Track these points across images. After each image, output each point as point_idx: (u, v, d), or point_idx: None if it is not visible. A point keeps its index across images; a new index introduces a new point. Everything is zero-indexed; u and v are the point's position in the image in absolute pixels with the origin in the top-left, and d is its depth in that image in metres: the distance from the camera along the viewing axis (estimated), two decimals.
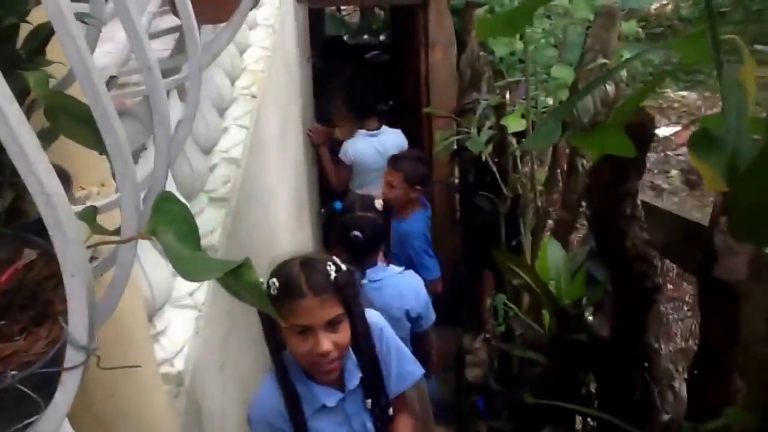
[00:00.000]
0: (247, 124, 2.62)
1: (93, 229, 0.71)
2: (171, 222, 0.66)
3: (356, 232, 2.80)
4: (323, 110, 5.33)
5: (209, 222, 2.04)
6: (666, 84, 6.78)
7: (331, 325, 1.75)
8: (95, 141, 0.73)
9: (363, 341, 1.84)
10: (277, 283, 1.73)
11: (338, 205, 3.09)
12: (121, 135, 0.65)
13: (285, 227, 3.36)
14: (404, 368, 1.95)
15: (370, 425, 1.88)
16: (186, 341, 1.65)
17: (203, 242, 1.95)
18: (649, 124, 1.24)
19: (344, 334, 1.78)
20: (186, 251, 0.64)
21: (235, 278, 0.62)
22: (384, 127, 4.74)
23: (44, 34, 0.83)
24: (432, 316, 3.02)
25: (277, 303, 1.69)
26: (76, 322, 0.60)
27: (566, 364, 1.94)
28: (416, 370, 1.98)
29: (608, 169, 1.39)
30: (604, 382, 1.84)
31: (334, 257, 1.85)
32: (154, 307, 1.59)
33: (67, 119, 0.74)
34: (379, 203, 2.96)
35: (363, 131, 4.70)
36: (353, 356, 1.85)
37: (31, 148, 0.55)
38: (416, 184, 3.97)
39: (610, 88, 2.20)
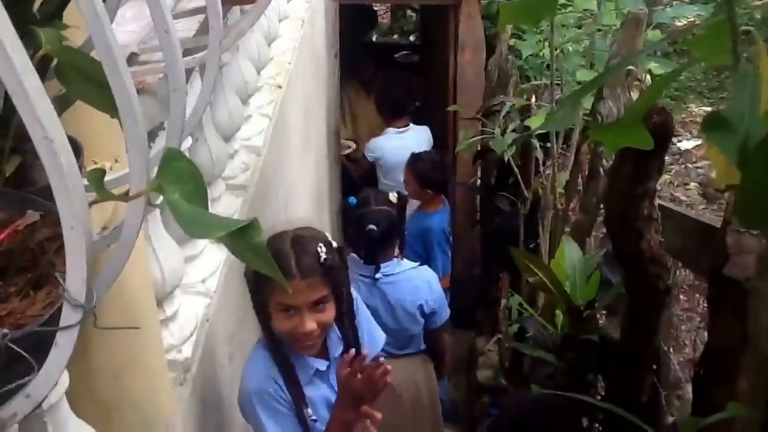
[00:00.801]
0: (270, 114, 2.64)
1: (100, 192, 0.70)
2: (177, 180, 0.66)
3: (372, 226, 2.82)
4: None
5: (225, 209, 2.05)
6: (690, 99, 6.77)
7: (316, 305, 1.78)
8: (106, 102, 0.72)
9: (347, 318, 1.91)
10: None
11: (352, 200, 3.11)
12: (132, 93, 0.65)
13: (303, 221, 3.39)
14: (373, 333, 2.05)
15: None
16: (195, 328, 1.64)
17: None
18: (669, 124, 1.26)
19: (329, 312, 1.82)
20: (192, 208, 0.64)
21: (241, 239, 0.61)
22: (411, 125, 4.79)
23: None
24: (446, 312, 3.03)
25: (263, 277, 1.69)
26: (74, 278, 0.59)
27: (576, 364, 1.95)
28: (381, 334, 2.09)
29: (628, 168, 1.41)
30: (612, 383, 1.85)
31: (326, 234, 1.90)
32: (165, 292, 1.58)
33: (78, 78, 0.74)
34: (393, 196, 2.97)
35: (392, 129, 4.78)
36: (335, 327, 1.90)
37: (35, 91, 0.53)
38: (427, 186, 4.05)
39: (634, 94, 2.21)
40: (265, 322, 1.86)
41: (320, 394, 1.89)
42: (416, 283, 2.93)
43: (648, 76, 2.07)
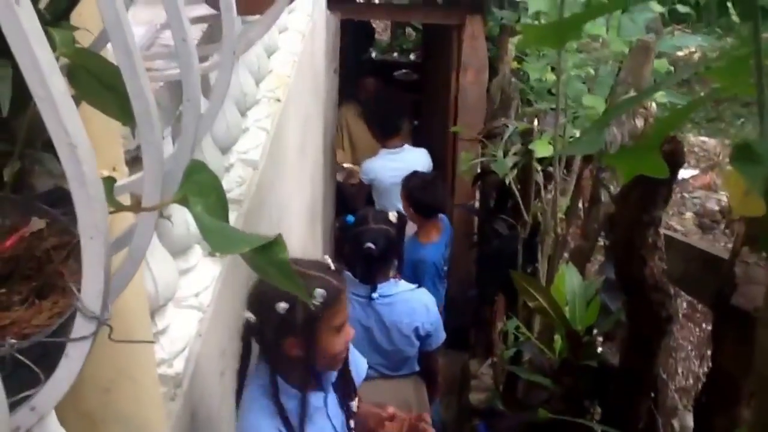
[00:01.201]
0: (268, 127, 2.62)
1: (111, 203, 0.69)
2: (201, 192, 0.65)
3: (370, 244, 2.79)
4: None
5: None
6: (687, 129, 6.82)
7: None
8: (118, 108, 0.72)
9: None
10: (325, 293, 1.74)
11: (350, 218, 3.09)
12: (151, 101, 0.64)
13: (297, 237, 3.37)
14: (357, 360, 2.07)
15: (347, 423, 1.95)
16: (187, 343, 1.62)
17: None
18: (680, 152, 1.26)
19: None
20: (216, 223, 0.63)
21: (265, 255, 0.60)
22: (406, 146, 4.72)
23: None
24: (441, 335, 3.01)
25: (321, 312, 1.75)
26: (90, 289, 0.57)
27: (573, 389, 1.94)
28: (363, 360, 2.12)
29: (636, 195, 1.40)
30: (609, 409, 1.84)
31: (326, 257, 1.92)
32: (157, 304, 1.56)
33: (91, 82, 0.73)
34: (393, 216, 2.95)
35: (384, 150, 4.71)
36: None
37: (60, 95, 0.52)
38: (418, 211, 3.89)
39: (638, 121, 2.21)
40: (281, 363, 1.83)
41: (320, 427, 1.88)
42: (413, 305, 2.90)
43: (654, 105, 2.07)
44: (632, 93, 2.17)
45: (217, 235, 0.60)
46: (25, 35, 0.49)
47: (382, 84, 5.72)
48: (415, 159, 4.60)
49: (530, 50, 4.27)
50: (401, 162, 4.52)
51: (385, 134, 4.74)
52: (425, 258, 3.87)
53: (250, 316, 1.81)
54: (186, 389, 1.58)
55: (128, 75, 0.62)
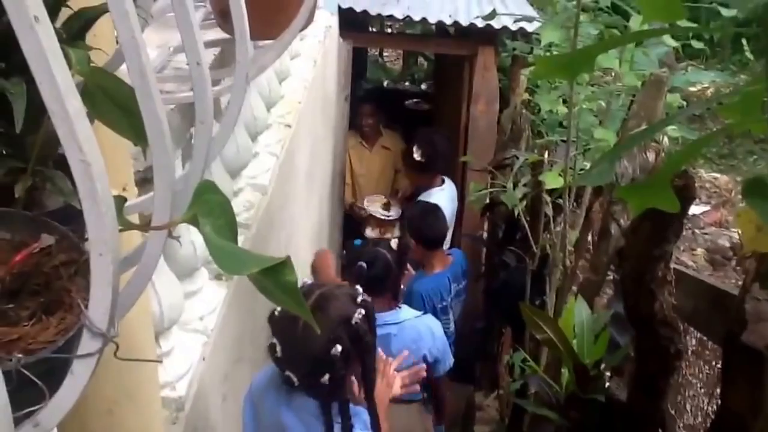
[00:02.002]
0: (277, 153, 2.62)
1: (121, 222, 0.67)
2: (210, 213, 0.64)
3: (362, 263, 2.73)
4: None
5: None
6: (699, 165, 6.81)
7: None
8: (131, 129, 0.71)
9: None
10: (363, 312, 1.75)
11: (357, 242, 3.07)
12: (164, 122, 0.64)
13: (304, 261, 3.36)
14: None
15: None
16: (191, 366, 1.61)
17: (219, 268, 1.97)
18: (691, 187, 1.25)
19: None
20: (225, 243, 0.62)
21: (273, 277, 0.59)
22: (446, 179, 4.47)
23: (85, 18, 0.82)
24: (449, 360, 2.97)
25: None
26: (97, 306, 0.57)
27: (580, 424, 1.92)
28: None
29: (646, 229, 1.40)
30: None
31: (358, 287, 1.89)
32: (162, 327, 1.56)
33: (105, 102, 0.73)
34: (394, 243, 2.92)
35: (435, 188, 4.37)
36: None
37: (76, 112, 0.52)
38: (417, 240, 3.65)
39: (650, 155, 2.21)
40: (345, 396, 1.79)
41: None
42: (420, 330, 2.87)
43: (665, 138, 2.07)
44: (644, 126, 2.17)
45: (227, 256, 0.59)
46: (44, 53, 0.49)
47: (382, 112, 5.49)
48: (453, 192, 4.42)
49: (542, 82, 4.29)
50: (447, 196, 4.34)
51: (437, 173, 4.42)
52: (415, 289, 3.59)
53: (337, 350, 1.70)
54: (188, 412, 1.57)
55: (142, 96, 0.63)
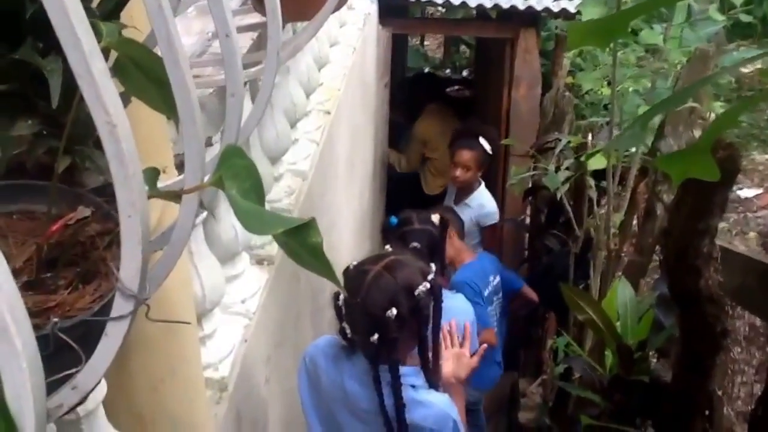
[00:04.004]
0: (317, 139, 2.64)
1: (153, 191, 0.69)
2: (236, 176, 0.64)
3: (415, 244, 2.74)
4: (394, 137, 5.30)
5: None
6: (752, 147, 6.62)
7: None
8: (162, 102, 0.72)
9: None
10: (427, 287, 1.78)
11: (393, 219, 3.04)
12: (192, 90, 0.64)
13: (347, 248, 3.37)
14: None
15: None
16: (233, 348, 1.63)
17: (260, 252, 1.99)
18: (736, 159, 1.22)
19: None
20: (250, 205, 0.62)
21: (298, 238, 0.59)
22: None
23: None
24: (476, 344, 2.91)
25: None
26: (128, 267, 0.58)
27: (625, 406, 1.89)
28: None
29: (690, 203, 1.37)
30: (662, 427, 1.78)
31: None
32: (204, 308, 1.57)
33: (136, 74, 0.73)
34: (435, 218, 2.91)
35: (479, 185, 4.25)
36: None
37: (101, 74, 0.52)
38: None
39: (696, 132, 2.16)
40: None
41: None
42: (453, 312, 2.84)
43: (713, 116, 2.02)
44: (690, 103, 2.12)
45: (252, 217, 0.59)
46: (68, 15, 0.50)
47: (431, 100, 5.48)
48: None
49: (586, 63, 4.23)
50: None
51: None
52: (458, 281, 3.40)
53: (392, 313, 1.74)
54: (231, 393, 1.59)
55: (170, 64, 0.63)
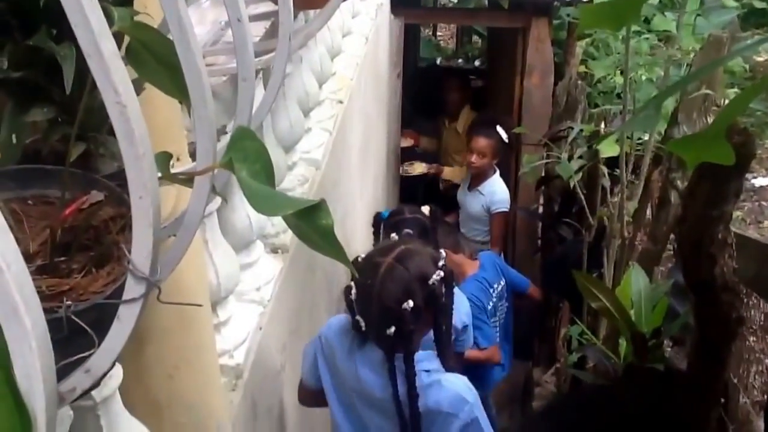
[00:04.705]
0: (330, 128, 2.64)
1: (165, 174, 0.69)
2: (246, 158, 0.64)
3: (408, 230, 2.71)
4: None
5: (280, 221, 2.03)
6: (766, 136, 6.56)
7: None
8: (174, 86, 0.72)
9: None
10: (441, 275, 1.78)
11: (384, 213, 3.04)
12: (203, 73, 0.64)
13: (360, 237, 3.37)
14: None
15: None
16: (248, 335, 1.64)
17: (275, 241, 2.00)
18: (750, 144, 1.21)
19: None
20: (260, 186, 0.63)
21: (308, 220, 0.59)
22: None
23: None
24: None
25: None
26: (139, 250, 0.58)
27: (640, 394, 1.88)
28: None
29: (704, 190, 1.36)
30: (677, 416, 1.78)
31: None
32: (219, 296, 1.58)
33: (148, 58, 0.73)
34: (426, 209, 2.90)
35: (493, 173, 4.27)
36: None
37: (110, 54, 0.52)
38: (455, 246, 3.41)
39: (710, 119, 2.15)
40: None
41: None
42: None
43: (726, 102, 2.00)
44: (704, 90, 2.10)
45: (262, 198, 0.59)
46: None
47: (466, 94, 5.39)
48: None
49: (599, 53, 4.20)
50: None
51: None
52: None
53: (409, 305, 1.73)
54: (246, 380, 1.60)
55: (181, 47, 0.63)
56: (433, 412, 1.76)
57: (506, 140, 4.18)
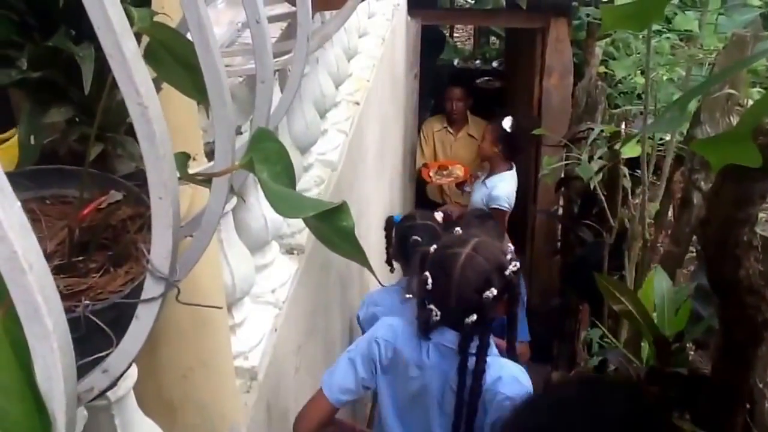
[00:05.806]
0: (346, 130, 2.63)
1: (183, 174, 0.69)
2: (267, 159, 0.64)
3: (416, 237, 2.69)
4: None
5: (297, 222, 2.00)
6: None
7: None
8: (193, 86, 0.72)
9: None
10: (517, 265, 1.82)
11: (397, 217, 3.01)
12: (222, 73, 0.64)
13: (375, 239, 3.36)
14: None
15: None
16: (263, 337, 1.64)
17: (290, 241, 1.99)
18: None
19: None
20: (281, 188, 0.62)
21: (329, 222, 0.58)
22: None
23: None
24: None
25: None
26: (159, 250, 0.58)
27: (662, 399, 1.86)
28: None
29: (729, 191, 1.33)
30: (700, 420, 1.75)
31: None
32: (234, 297, 1.58)
33: (167, 59, 0.74)
34: (439, 216, 2.88)
35: (512, 171, 4.27)
36: None
37: (132, 55, 0.52)
38: None
39: (734, 119, 2.11)
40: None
41: None
42: None
43: (750, 102, 1.97)
44: (727, 90, 2.07)
45: (283, 200, 0.59)
46: None
47: (469, 93, 5.41)
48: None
49: (619, 53, 4.16)
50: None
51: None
52: None
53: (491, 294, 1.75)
54: (261, 382, 1.60)
55: (201, 48, 0.63)
56: (490, 392, 1.80)
57: (508, 129, 4.15)
